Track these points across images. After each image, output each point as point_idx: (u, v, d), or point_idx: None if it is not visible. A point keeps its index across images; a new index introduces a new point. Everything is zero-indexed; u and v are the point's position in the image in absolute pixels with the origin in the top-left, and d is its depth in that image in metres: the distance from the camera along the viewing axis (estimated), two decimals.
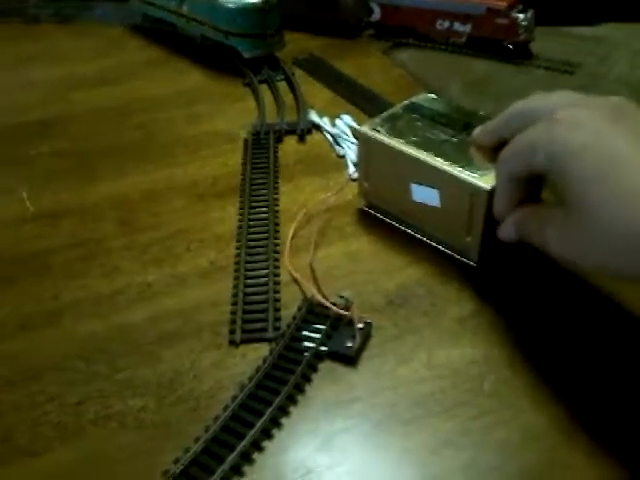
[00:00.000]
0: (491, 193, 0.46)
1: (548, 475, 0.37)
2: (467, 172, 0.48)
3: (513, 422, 0.40)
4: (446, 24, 0.83)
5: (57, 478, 0.39)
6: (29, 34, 0.96)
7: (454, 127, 0.53)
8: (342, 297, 0.48)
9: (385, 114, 0.55)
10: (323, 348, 0.45)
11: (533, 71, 0.78)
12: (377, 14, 0.88)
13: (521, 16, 0.78)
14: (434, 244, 0.53)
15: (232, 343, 0.46)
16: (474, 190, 0.47)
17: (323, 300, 0.47)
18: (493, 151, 0.47)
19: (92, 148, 0.70)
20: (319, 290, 0.49)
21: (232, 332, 0.46)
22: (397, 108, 0.56)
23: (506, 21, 0.78)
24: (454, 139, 0.52)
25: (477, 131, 0.49)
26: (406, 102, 0.57)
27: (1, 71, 0.74)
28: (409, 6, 0.85)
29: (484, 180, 0.47)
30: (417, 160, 0.50)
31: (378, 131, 0.53)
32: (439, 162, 0.49)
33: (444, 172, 0.49)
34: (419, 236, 0.54)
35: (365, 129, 0.54)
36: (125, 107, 0.78)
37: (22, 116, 0.76)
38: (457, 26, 0.82)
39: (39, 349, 0.47)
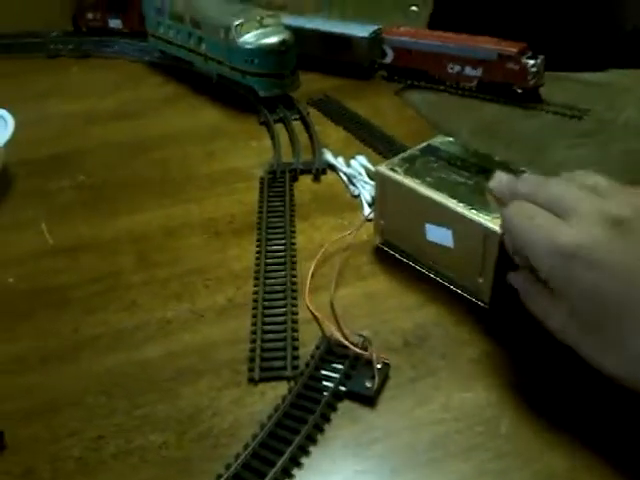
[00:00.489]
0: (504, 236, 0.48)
1: None
2: (480, 214, 0.49)
3: (530, 466, 0.40)
4: (457, 68, 0.85)
5: None
6: (49, 69, 0.99)
7: (470, 170, 0.54)
8: (361, 336, 0.48)
9: (403, 155, 0.57)
10: (342, 388, 0.45)
11: (542, 115, 0.80)
12: (390, 56, 0.90)
13: (531, 62, 0.80)
14: (447, 284, 0.54)
15: (251, 381, 0.46)
16: (486, 232, 0.48)
17: (342, 339, 0.48)
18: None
19: (109, 182, 0.72)
20: (338, 329, 0.50)
21: (251, 370, 0.47)
22: (415, 150, 0.58)
23: (516, 67, 0.80)
24: (469, 182, 0.53)
25: (495, 183, 0.49)
26: (424, 144, 0.58)
27: (20, 105, 0.75)
28: (421, 50, 0.87)
29: (497, 223, 0.48)
30: (432, 201, 0.52)
31: (396, 171, 0.55)
32: (453, 203, 0.50)
33: (457, 213, 0.50)
34: (433, 276, 0.55)
35: (383, 169, 0.55)
36: (142, 142, 0.79)
37: (40, 150, 0.78)
38: (468, 70, 0.84)
39: (59, 383, 0.48)
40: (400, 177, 0.54)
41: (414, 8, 1.18)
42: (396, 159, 0.56)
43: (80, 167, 0.75)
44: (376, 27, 0.93)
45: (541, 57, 0.81)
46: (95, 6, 1.07)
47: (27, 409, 0.46)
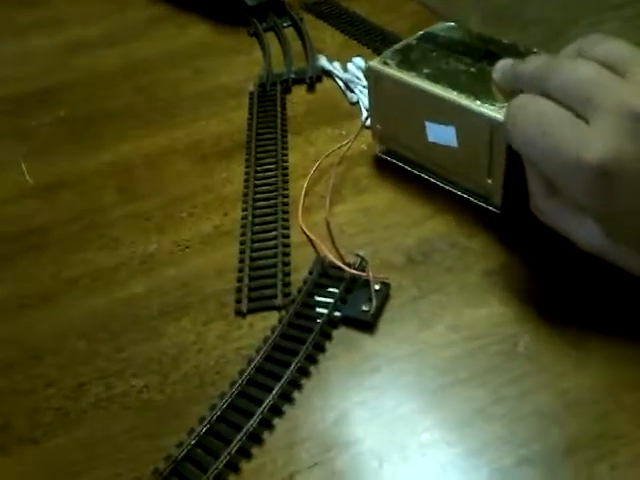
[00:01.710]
0: None
1: (595, 448, 0.32)
2: (486, 105, 0.42)
3: (552, 387, 0.35)
4: None
5: (58, 465, 0.36)
6: (28, 1, 0.92)
7: (473, 56, 0.47)
8: (358, 256, 0.43)
9: (397, 46, 0.49)
10: (337, 313, 0.41)
11: None
12: None
13: None
14: (453, 190, 0.48)
15: (238, 313, 0.42)
16: (494, 125, 0.41)
17: (337, 260, 0.43)
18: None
19: (93, 114, 0.66)
20: (332, 250, 0.45)
21: (238, 301, 0.43)
22: (411, 39, 0.50)
23: None
24: (472, 69, 0.46)
25: (498, 73, 0.42)
26: (421, 32, 0.51)
27: (0, 41, 0.70)
28: None
29: (504, 113, 0.41)
30: (430, 94, 0.44)
31: (388, 65, 0.48)
32: (454, 95, 0.43)
33: (460, 106, 0.43)
34: (438, 182, 0.49)
35: (374, 64, 0.48)
36: (128, 68, 0.74)
37: (22, 86, 0.73)
38: None
39: (38, 329, 0.44)
40: (393, 71, 0.47)
41: None
42: (389, 51, 0.49)
43: (64, 101, 0.69)
44: None
45: None
46: None
47: (5, 359, 0.42)
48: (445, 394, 0.36)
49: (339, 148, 0.52)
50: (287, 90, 0.63)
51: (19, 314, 0.46)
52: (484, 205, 0.46)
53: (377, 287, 0.41)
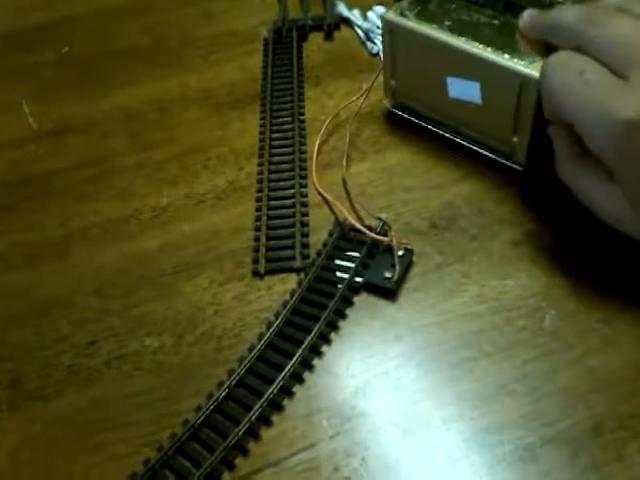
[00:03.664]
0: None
1: (624, 428, 0.32)
2: (513, 59, 0.40)
3: (579, 365, 0.34)
4: None
5: (68, 424, 0.36)
6: None
7: (495, 7, 0.45)
8: (379, 219, 0.42)
9: None
10: (358, 279, 0.39)
11: None
12: None
13: None
14: (475, 148, 0.46)
15: (256, 274, 0.41)
16: (522, 80, 0.39)
17: (357, 223, 0.42)
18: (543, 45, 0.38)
19: (98, 54, 0.63)
20: (352, 211, 0.43)
21: (256, 261, 0.41)
22: None
23: None
24: (495, 21, 0.44)
25: (526, 22, 0.40)
26: None
27: None
28: None
29: (533, 67, 0.39)
30: (453, 48, 0.42)
31: (406, 16, 0.45)
32: (479, 49, 0.41)
33: (485, 60, 0.41)
34: (458, 140, 0.47)
35: (390, 15, 0.46)
36: (133, 7, 0.70)
37: (22, 20, 0.69)
38: None
39: (47, 283, 0.43)
40: (412, 23, 0.45)
41: None
42: (405, 2, 0.46)
43: (67, 37, 0.66)
44: None
45: None
46: None
47: (13, 313, 0.41)
48: (469, 367, 0.35)
49: (356, 100, 0.50)
50: (303, 37, 0.60)
51: (27, 265, 0.44)
52: (508, 163, 0.44)
53: (400, 253, 0.40)
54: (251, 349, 0.37)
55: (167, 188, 0.48)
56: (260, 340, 0.37)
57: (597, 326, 0.36)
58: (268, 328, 0.38)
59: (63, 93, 0.59)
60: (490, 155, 0.45)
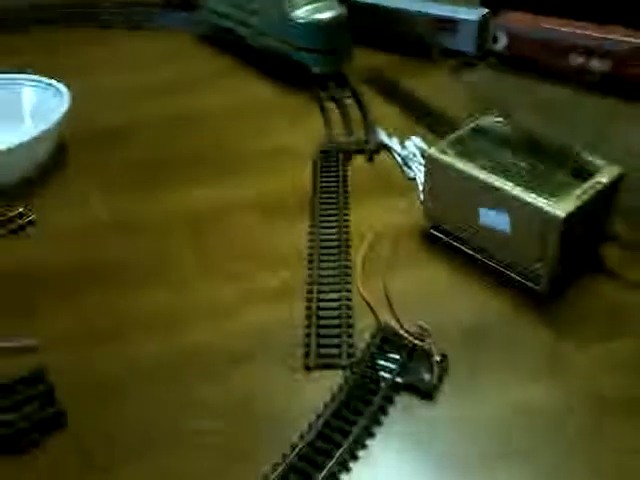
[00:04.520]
0: (566, 220, 0.46)
1: None
2: (539, 198, 0.47)
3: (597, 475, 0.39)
4: (580, 60, 0.76)
5: None
6: (100, 40, 0.98)
7: (522, 150, 0.53)
8: (419, 326, 0.47)
9: (453, 136, 0.55)
10: (399, 380, 0.44)
11: (616, 100, 0.75)
12: (503, 43, 0.82)
13: None
14: (502, 269, 0.52)
15: (306, 367, 0.46)
16: (547, 217, 0.46)
17: (398, 328, 0.47)
18: None
19: (161, 157, 0.71)
20: (393, 317, 0.49)
21: (306, 355, 0.46)
22: (464, 131, 0.56)
23: None
24: (523, 163, 0.52)
25: None
26: (473, 124, 0.56)
27: (74, 77, 0.75)
28: (539, 37, 0.79)
29: (558, 206, 0.46)
30: (486, 184, 0.50)
31: (446, 153, 0.53)
32: (510, 187, 0.49)
33: (515, 197, 0.48)
34: (487, 261, 0.53)
35: (433, 151, 0.54)
36: (193, 117, 0.78)
37: (94, 124, 0.76)
38: (593, 63, 0.76)
39: (108, 364, 0.47)
40: (452, 160, 0.52)
41: None
42: (446, 140, 0.54)
43: (133, 141, 0.74)
44: (484, 10, 0.85)
45: None
46: None
47: (72, 390, 0.45)
48: (499, 467, 0.39)
49: (396, 220, 0.57)
50: (348, 158, 0.68)
51: (86, 347, 0.48)
52: (530, 285, 0.50)
53: (437, 358, 0.44)
54: (302, 437, 0.41)
55: (222, 284, 0.53)
56: (310, 428, 0.41)
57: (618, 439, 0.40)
58: (317, 418, 0.42)
59: (129, 190, 0.66)
60: (516, 277, 0.51)
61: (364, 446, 0.41)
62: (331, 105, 0.78)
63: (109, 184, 0.66)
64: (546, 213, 0.47)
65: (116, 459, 0.41)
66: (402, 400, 0.43)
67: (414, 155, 0.67)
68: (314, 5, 0.80)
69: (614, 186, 0.51)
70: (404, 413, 0.43)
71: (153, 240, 0.59)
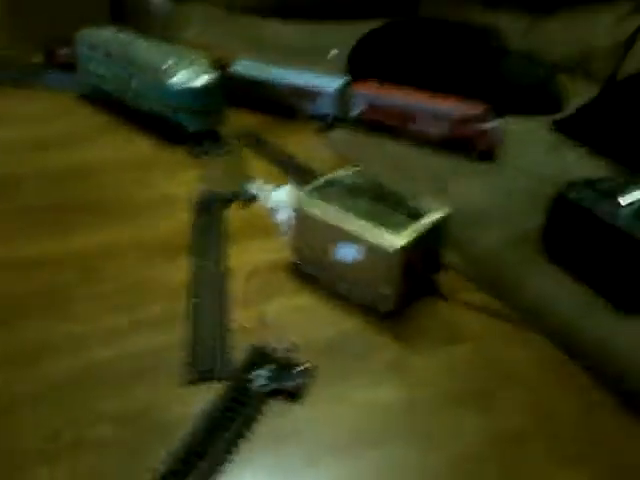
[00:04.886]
0: (403, 251, 0.56)
1: None
2: (382, 233, 0.58)
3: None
4: (423, 124, 0.90)
5: None
6: None
7: (371, 197, 0.64)
8: (287, 342, 0.54)
9: (313, 185, 0.65)
10: (271, 387, 0.51)
11: (445, 155, 0.89)
12: (359, 109, 0.94)
13: (492, 123, 0.86)
14: (355, 294, 0.61)
15: (189, 382, 0.51)
16: (388, 247, 0.57)
17: (270, 345, 0.54)
18: None
19: (47, 206, 0.75)
20: (266, 336, 0.56)
21: (188, 373, 0.52)
22: (324, 180, 0.66)
23: (478, 127, 0.86)
24: (370, 206, 0.62)
25: None
26: (331, 175, 0.67)
27: None
28: (389, 105, 0.92)
29: (397, 239, 0.57)
30: (340, 224, 0.60)
31: (309, 199, 0.63)
32: (359, 226, 0.59)
33: (363, 234, 0.58)
34: (342, 289, 0.62)
35: (297, 197, 0.63)
36: (76, 170, 0.83)
37: None
38: (433, 127, 0.89)
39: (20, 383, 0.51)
40: (313, 204, 0.62)
41: (333, 52, 1.28)
42: (308, 188, 0.64)
43: (20, 192, 0.77)
44: (344, 79, 0.98)
45: (501, 119, 0.86)
46: (68, 42, 1.08)
47: None
48: (351, 454, 0.47)
49: (268, 257, 0.65)
50: (224, 205, 0.75)
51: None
52: (380, 308, 0.60)
53: (303, 368, 0.52)
54: (182, 441, 0.46)
55: (113, 315, 0.58)
56: (190, 434, 0.47)
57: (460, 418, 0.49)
58: (195, 425, 0.47)
59: (18, 236, 0.69)
60: (367, 300, 0.61)
61: (236, 446, 0.47)
62: (208, 159, 0.86)
63: None
64: (387, 245, 0.57)
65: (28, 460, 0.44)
66: (273, 404, 0.50)
67: (283, 202, 0.76)
68: (190, 72, 0.88)
69: (443, 223, 0.62)
70: (275, 416, 0.49)
71: (45, 280, 0.63)
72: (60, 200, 0.76)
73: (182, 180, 0.82)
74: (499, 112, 0.89)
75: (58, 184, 0.79)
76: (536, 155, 0.89)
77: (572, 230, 0.67)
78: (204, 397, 0.50)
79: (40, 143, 0.88)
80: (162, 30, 1.50)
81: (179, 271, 0.64)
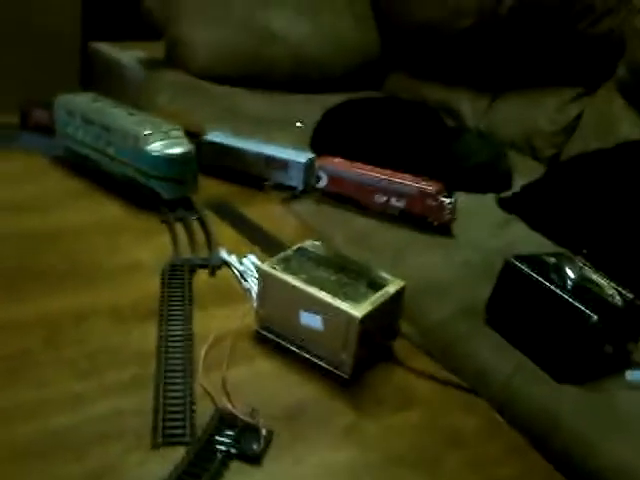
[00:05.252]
0: (362, 320, 0.61)
1: None
2: (344, 303, 0.62)
3: None
4: (383, 198, 0.96)
5: None
6: None
7: (333, 268, 0.69)
8: (249, 408, 0.58)
9: (281, 255, 0.70)
10: (233, 450, 0.54)
11: (402, 229, 0.95)
12: (324, 181, 1.00)
13: (447, 200, 0.92)
14: (316, 361, 0.65)
15: (154, 446, 0.54)
16: (348, 317, 0.61)
17: (233, 410, 0.57)
18: None
19: (16, 270, 0.77)
20: (229, 402, 0.59)
21: (154, 436, 0.55)
22: (290, 251, 0.71)
23: (434, 203, 0.92)
24: (333, 277, 0.67)
25: None
26: (297, 246, 0.72)
27: None
28: (352, 179, 0.98)
29: (356, 310, 0.61)
30: (305, 292, 0.64)
31: (275, 269, 0.67)
32: (322, 295, 0.63)
33: (326, 302, 0.63)
34: (305, 354, 0.66)
35: (265, 267, 0.67)
36: (48, 234, 0.85)
37: None
38: (393, 201, 0.96)
39: None
40: (279, 274, 0.66)
41: (299, 124, 1.35)
42: (275, 259, 0.69)
43: None
44: (310, 154, 1.05)
45: (455, 196, 0.93)
46: (43, 104, 1.09)
47: None
48: None
49: (233, 324, 0.68)
50: (193, 272, 0.79)
51: None
52: (337, 372, 0.64)
53: (264, 432, 0.55)
54: None
55: (79, 380, 0.61)
56: None
57: None
58: None
59: None
60: (327, 366, 0.64)
61: None
62: (178, 226, 0.90)
63: None
64: (347, 314, 0.61)
65: None
66: (235, 466, 0.53)
67: (250, 270, 0.80)
68: (166, 141, 0.93)
69: (399, 294, 0.67)
70: (236, 476, 0.52)
71: (10, 344, 0.64)
72: (28, 263, 0.78)
73: (153, 246, 0.85)
74: (453, 188, 0.96)
75: (25, 249, 0.81)
76: (486, 230, 0.96)
77: (515, 299, 0.73)
78: (169, 460, 0.53)
79: (12, 206, 0.90)
80: (133, 95, 1.56)
81: (147, 337, 0.67)
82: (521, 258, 0.75)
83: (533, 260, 0.75)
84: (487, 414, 0.62)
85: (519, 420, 0.62)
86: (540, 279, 0.71)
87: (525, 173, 1.12)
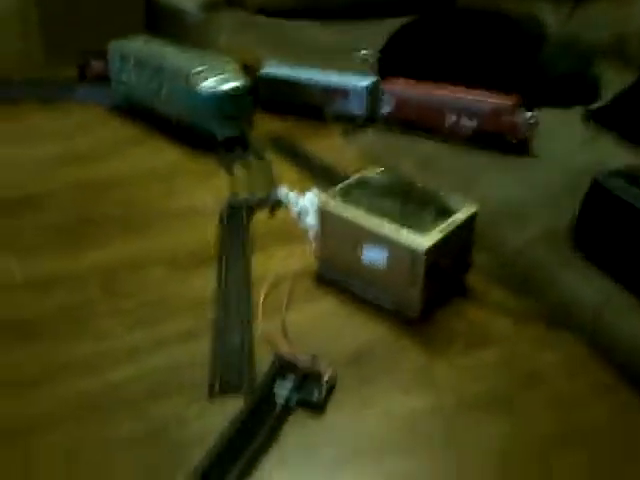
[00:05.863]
0: (429, 252, 0.55)
1: None
2: (409, 234, 0.56)
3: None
4: (453, 118, 0.88)
5: None
6: (12, 116, 1.03)
7: (398, 196, 0.62)
8: (310, 354, 0.54)
9: (339, 187, 0.64)
10: (293, 398, 0.51)
11: (474, 152, 0.87)
12: (389, 107, 0.93)
13: (525, 114, 0.84)
14: (381, 300, 0.60)
15: (212, 395, 0.52)
16: (414, 250, 0.55)
17: (293, 356, 0.54)
18: None
19: (76, 220, 0.76)
20: (289, 347, 0.56)
21: (212, 387, 0.52)
22: (349, 182, 0.65)
23: (511, 119, 0.84)
24: (398, 207, 0.61)
25: None
26: (357, 176, 0.66)
27: None
28: (419, 101, 0.91)
29: (422, 240, 0.56)
30: (367, 226, 0.59)
31: (334, 202, 0.62)
32: (385, 227, 0.58)
33: (389, 235, 0.57)
34: (368, 294, 0.61)
35: (323, 201, 0.62)
36: (106, 183, 0.84)
37: (10, 192, 0.81)
38: (464, 121, 0.88)
39: (35, 406, 0.51)
40: (338, 207, 0.61)
41: (364, 52, 1.27)
42: (333, 191, 0.63)
43: (48, 207, 0.79)
44: (373, 78, 0.97)
45: (535, 110, 0.84)
46: (101, 55, 1.06)
47: (5, 430, 0.49)
48: (376, 463, 0.46)
49: (293, 262, 0.65)
50: (251, 213, 0.76)
51: (17, 390, 0.53)
52: (405, 312, 0.59)
53: (326, 378, 0.51)
54: (207, 456, 0.46)
55: (137, 331, 0.59)
56: (214, 448, 0.47)
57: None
58: (221, 439, 0.47)
59: (46, 252, 0.70)
60: (393, 306, 0.60)
61: (264, 455, 0.47)
62: (236, 166, 0.86)
63: (25, 247, 0.71)
64: (413, 246, 0.55)
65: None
66: (297, 415, 0.50)
67: (309, 208, 0.75)
68: (217, 78, 0.89)
69: (471, 221, 0.60)
70: (298, 426, 0.49)
71: (68, 295, 0.63)
72: (85, 214, 0.77)
73: (210, 188, 0.82)
74: (535, 103, 0.86)
75: (83, 199, 0.80)
76: (571, 147, 0.86)
77: (606, 221, 0.64)
78: (228, 411, 0.50)
79: (67, 158, 0.89)
80: (195, 38, 1.53)
81: (205, 283, 0.64)
82: (611, 175, 0.66)
83: (625, 176, 0.66)
84: (571, 350, 0.56)
85: (610, 355, 0.55)
86: (633, 198, 0.62)
87: (615, 82, 1.00)
